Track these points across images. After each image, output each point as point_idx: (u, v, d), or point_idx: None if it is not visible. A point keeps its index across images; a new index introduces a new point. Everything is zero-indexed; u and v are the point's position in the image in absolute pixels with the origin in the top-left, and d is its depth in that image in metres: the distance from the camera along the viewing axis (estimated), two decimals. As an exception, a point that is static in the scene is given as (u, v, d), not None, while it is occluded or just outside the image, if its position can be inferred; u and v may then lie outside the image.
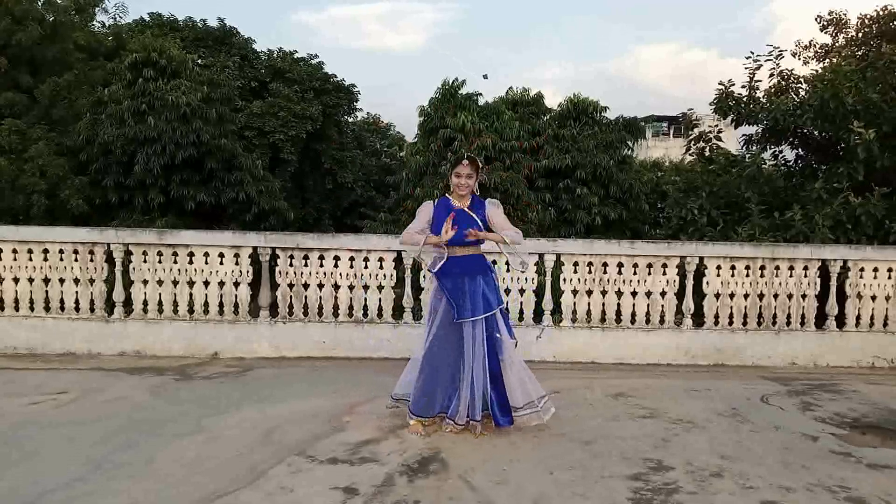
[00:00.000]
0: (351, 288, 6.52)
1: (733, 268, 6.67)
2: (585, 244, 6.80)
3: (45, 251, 6.46)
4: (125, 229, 7.14)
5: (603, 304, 6.63)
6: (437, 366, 4.31)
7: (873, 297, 6.73)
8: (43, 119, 15.79)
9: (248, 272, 6.50)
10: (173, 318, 6.47)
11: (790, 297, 6.70)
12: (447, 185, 4.67)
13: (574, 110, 16.78)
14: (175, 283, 6.47)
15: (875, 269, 6.73)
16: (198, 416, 4.52)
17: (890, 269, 6.74)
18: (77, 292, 6.47)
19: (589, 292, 6.62)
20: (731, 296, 6.67)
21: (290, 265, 6.49)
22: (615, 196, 16.22)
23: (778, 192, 9.83)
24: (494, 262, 6.41)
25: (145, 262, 6.45)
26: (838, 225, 8.45)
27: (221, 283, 6.48)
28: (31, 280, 6.46)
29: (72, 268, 6.46)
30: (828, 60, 12.34)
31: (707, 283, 6.67)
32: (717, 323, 6.68)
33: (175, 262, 6.46)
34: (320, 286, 6.51)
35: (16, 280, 6.48)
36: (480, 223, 4.36)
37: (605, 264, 6.60)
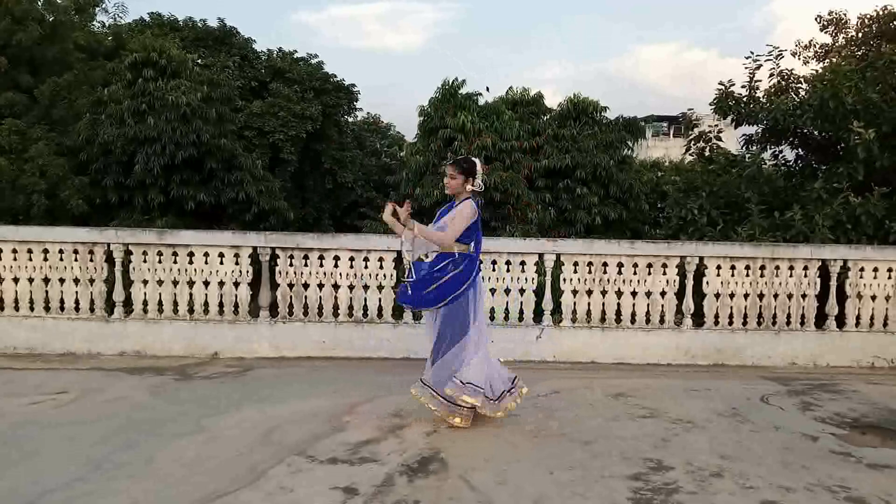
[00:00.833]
0: (351, 288, 6.52)
1: (733, 268, 6.67)
2: (585, 244, 6.79)
3: (45, 251, 6.45)
4: (125, 229, 7.14)
5: (603, 304, 6.63)
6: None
7: (873, 297, 6.73)
8: (43, 119, 15.79)
9: (248, 272, 6.49)
10: (173, 318, 6.47)
11: (790, 296, 6.70)
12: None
13: (574, 110, 16.80)
14: (175, 282, 6.47)
15: (875, 269, 6.73)
16: (198, 416, 4.52)
17: (890, 269, 6.74)
18: (77, 292, 6.47)
19: (589, 292, 6.62)
20: (731, 296, 6.67)
21: (290, 265, 6.49)
22: (615, 196, 16.23)
23: (778, 192, 9.83)
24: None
25: (145, 261, 6.45)
26: (838, 225, 8.44)
27: (221, 283, 6.47)
28: (31, 280, 6.46)
29: (72, 268, 6.45)
30: (828, 60, 12.34)
31: (707, 283, 6.67)
32: (717, 323, 6.68)
33: (175, 262, 6.45)
34: (320, 286, 6.51)
35: (16, 280, 6.48)
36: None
37: (604, 264, 6.60)
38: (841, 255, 6.77)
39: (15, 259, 6.46)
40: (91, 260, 6.46)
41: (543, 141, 16.39)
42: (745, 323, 6.69)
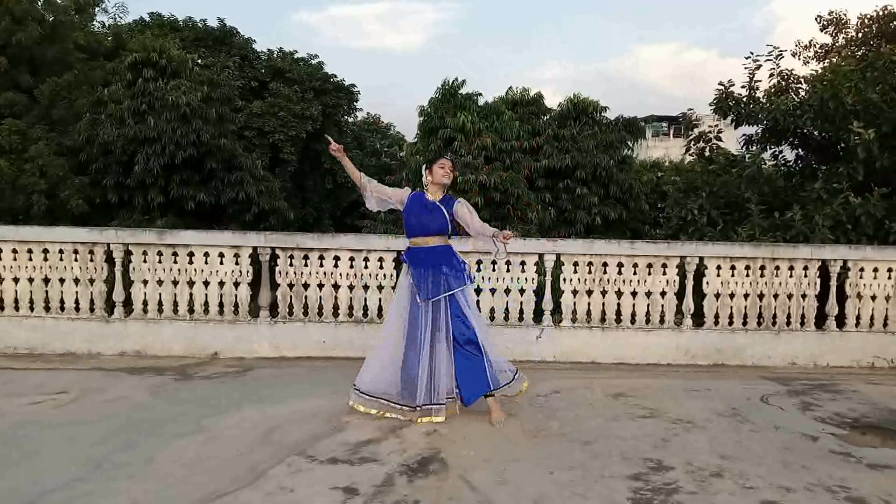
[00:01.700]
0: (351, 288, 6.52)
1: (733, 268, 6.68)
2: (585, 244, 6.79)
3: (45, 251, 6.46)
4: (125, 229, 7.14)
5: (603, 304, 6.63)
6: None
7: (873, 297, 6.73)
8: (43, 119, 15.80)
9: (248, 272, 6.50)
10: (173, 318, 6.47)
11: (790, 297, 6.70)
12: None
13: (574, 110, 16.79)
14: (175, 282, 6.47)
15: (875, 269, 6.73)
16: (198, 416, 4.52)
17: (890, 269, 6.74)
18: (77, 292, 6.47)
19: (589, 292, 6.62)
20: (731, 296, 6.67)
21: (290, 265, 6.49)
22: (615, 196, 16.23)
23: (778, 192, 9.83)
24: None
25: (145, 262, 6.45)
26: (838, 225, 8.44)
27: (221, 283, 6.48)
28: (31, 280, 6.46)
29: (72, 268, 6.46)
30: (828, 60, 12.35)
31: (707, 283, 6.67)
32: (716, 323, 6.68)
33: (175, 262, 6.46)
34: (320, 286, 6.51)
35: (16, 280, 6.48)
36: (447, 215, 4.61)
37: (605, 264, 6.60)
38: (841, 255, 6.77)
39: (15, 259, 6.46)
40: (91, 260, 6.46)
41: (543, 141, 16.39)
42: (745, 323, 6.69)
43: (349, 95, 22.87)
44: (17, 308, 6.48)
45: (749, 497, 3.42)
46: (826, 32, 13.06)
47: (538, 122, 17.20)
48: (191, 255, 6.47)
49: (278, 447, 3.99)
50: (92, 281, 6.47)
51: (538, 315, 6.68)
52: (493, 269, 6.49)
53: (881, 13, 11.75)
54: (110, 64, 16.89)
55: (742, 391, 5.53)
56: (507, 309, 6.53)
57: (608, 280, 6.59)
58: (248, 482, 3.48)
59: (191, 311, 6.50)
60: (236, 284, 6.48)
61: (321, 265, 6.51)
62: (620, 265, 6.60)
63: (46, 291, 6.47)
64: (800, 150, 10.65)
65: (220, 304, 6.49)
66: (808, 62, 13.11)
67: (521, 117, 16.81)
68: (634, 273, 6.60)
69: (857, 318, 6.75)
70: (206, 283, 6.48)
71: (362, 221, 17.34)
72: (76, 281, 6.46)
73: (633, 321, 6.62)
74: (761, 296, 6.69)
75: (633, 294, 6.61)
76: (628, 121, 17.39)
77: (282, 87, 20.11)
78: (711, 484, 3.57)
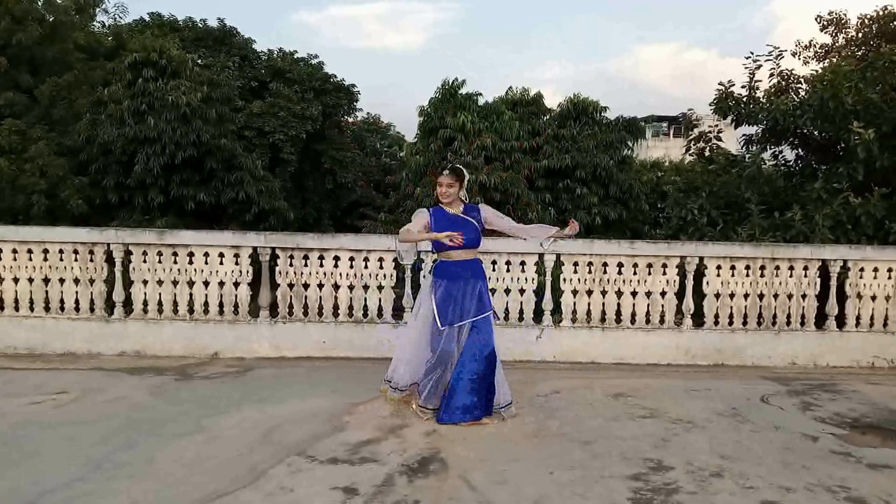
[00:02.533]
0: (351, 288, 6.52)
1: (733, 268, 6.67)
2: (585, 244, 6.79)
3: (45, 251, 6.45)
4: (125, 229, 7.14)
5: (603, 304, 6.63)
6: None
7: (873, 297, 6.73)
8: (43, 119, 15.78)
9: (248, 272, 6.49)
10: (173, 318, 6.47)
11: (790, 297, 6.70)
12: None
13: (574, 110, 16.78)
14: (175, 283, 6.47)
15: (875, 269, 6.73)
16: (198, 416, 4.52)
17: (890, 269, 6.74)
18: (77, 292, 6.47)
19: (589, 292, 6.62)
20: (731, 296, 6.67)
21: (290, 265, 6.49)
22: (615, 196, 16.22)
23: (778, 192, 9.83)
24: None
25: (145, 262, 6.45)
26: (838, 225, 8.44)
27: (221, 283, 6.47)
28: (31, 280, 6.46)
29: (72, 268, 6.45)
30: (828, 60, 12.33)
31: (707, 283, 6.67)
32: (717, 323, 6.68)
33: (175, 262, 6.45)
34: (320, 286, 6.50)
35: (16, 280, 6.48)
36: (478, 225, 4.56)
37: (605, 264, 6.60)
38: (841, 255, 6.77)
39: (15, 259, 6.46)
40: (91, 260, 6.46)
41: (543, 141, 16.37)
42: (745, 323, 6.68)
43: (349, 95, 22.84)
44: (17, 308, 6.48)
45: (749, 497, 3.42)
46: (826, 32, 13.06)
47: (538, 122, 17.19)
48: (191, 255, 6.47)
49: (278, 447, 3.99)
50: (92, 281, 6.47)
51: (538, 315, 6.68)
52: (493, 269, 6.49)
53: (881, 13, 11.74)
54: (110, 64, 16.87)
55: (742, 391, 5.53)
56: (507, 309, 6.53)
57: (608, 280, 6.59)
58: (248, 482, 3.48)
59: (191, 311, 6.50)
60: (236, 284, 6.48)
61: (321, 265, 6.51)
62: (620, 265, 6.60)
63: (46, 291, 6.47)
64: (800, 150, 10.65)
65: (220, 304, 6.49)
66: (808, 62, 13.10)
67: (521, 117, 16.80)
68: (634, 273, 6.60)
69: (857, 318, 6.75)
70: (206, 283, 6.47)
71: (362, 221, 17.34)
72: (76, 281, 6.46)
73: (633, 321, 6.62)
74: (761, 296, 6.68)
75: (633, 294, 6.61)
76: (628, 121, 17.38)
77: (282, 87, 20.09)
78: (711, 484, 3.58)
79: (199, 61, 18.20)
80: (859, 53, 11.82)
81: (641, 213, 16.36)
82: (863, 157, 8.51)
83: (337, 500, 3.32)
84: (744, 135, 10.84)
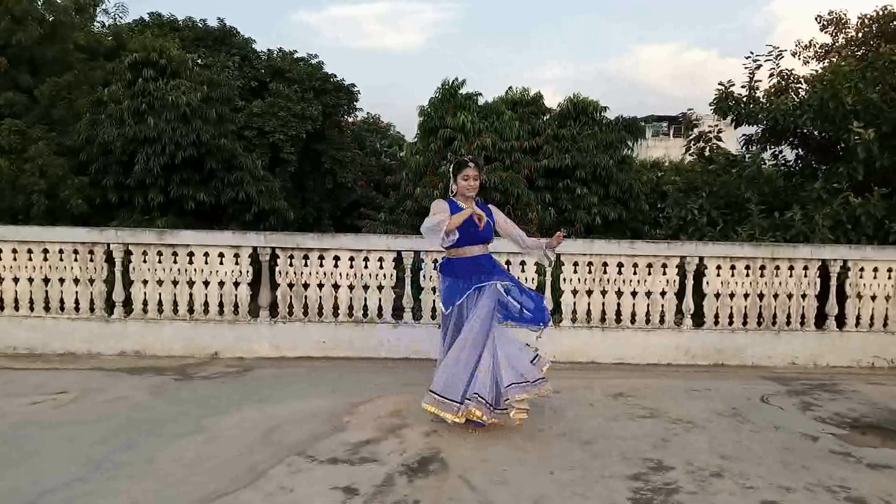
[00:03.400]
0: (351, 288, 6.52)
1: (733, 268, 6.67)
2: (585, 244, 6.79)
3: (45, 251, 6.45)
4: (125, 229, 7.14)
5: (603, 304, 6.63)
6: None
7: (873, 297, 6.73)
8: (43, 119, 15.80)
9: (247, 272, 6.49)
10: (173, 318, 6.47)
11: (790, 296, 6.70)
12: (446, 186, 4.68)
13: (574, 110, 16.79)
14: (175, 282, 6.46)
15: (875, 269, 6.73)
16: (198, 416, 4.52)
17: (890, 269, 6.74)
18: (77, 292, 6.47)
19: (589, 292, 6.62)
20: (731, 296, 6.67)
21: (290, 265, 6.49)
22: (615, 196, 16.23)
23: (778, 192, 9.83)
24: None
25: (145, 261, 6.45)
26: (838, 225, 8.45)
27: (221, 283, 6.47)
28: (30, 280, 6.46)
29: (72, 268, 6.45)
30: (828, 60, 12.35)
31: (707, 283, 6.67)
32: (717, 323, 6.68)
33: (175, 262, 6.45)
34: (320, 286, 6.50)
35: (16, 280, 6.48)
36: (491, 224, 4.52)
37: (605, 264, 6.60)
38: (841, 255, 6.77)
39: (15, 259, 6.46)
40: (91, 260, 6.46)
41: (543, 141, 16.38)
42: (745, 323, 6.68)
43: (349, 95, 22.85)
44: (17, 308, 6.48)
45: (749, 497, 3.42)
46: (826, 32, 13.07)
47: (538, 122, 17.20)
48: (191, 255, 6.47)
49: (278, 447, 3.99)
50: (92, 281, 6.47)
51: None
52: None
53: (881, 13, 11.74)
54: (110, 64, 16.88)
55: (742, 391, 5.53)
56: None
57: (608, 280, 6.59)
58: (248, 482, 3.48)
59: (191, 311, 6.50)
60: (236, 284, 6.48)
61: (321, 265, 6.50)
62: (620, 265, 6.60)
63: (46, 291, 6.47)
64: (800, 150, 10.65)
65: (220, 304, 6.49)
66: (808, 62, 13.12)
67: (521, 117, 16.80)
68: (634, 273, 6.60)
69: (857, 318, 6.75)
70: (206, 283, 6.47)
71: (362, 221, 17.34)
72: (76, 281, 6.46)
73: (633, 321, 6.62)
74: (761, 296, 6.68)
75: (633, 294, 6.61)
76: (628, 121, 17.39)
77: (282, 87, 20.09)
78: (711, 484, 3.58)
79: (199, 61, 18.22)
80: (859, 53, 11.83)
81: (641, 212, 16.37)
82: (863, 157, 8.51)
83: (337, 500, 3.31)
84: (744, 135, 10.85)
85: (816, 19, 13.04)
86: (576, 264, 6.60)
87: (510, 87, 18.28)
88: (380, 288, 6.52)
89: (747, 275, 6.67)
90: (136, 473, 3.58)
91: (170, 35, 18.72)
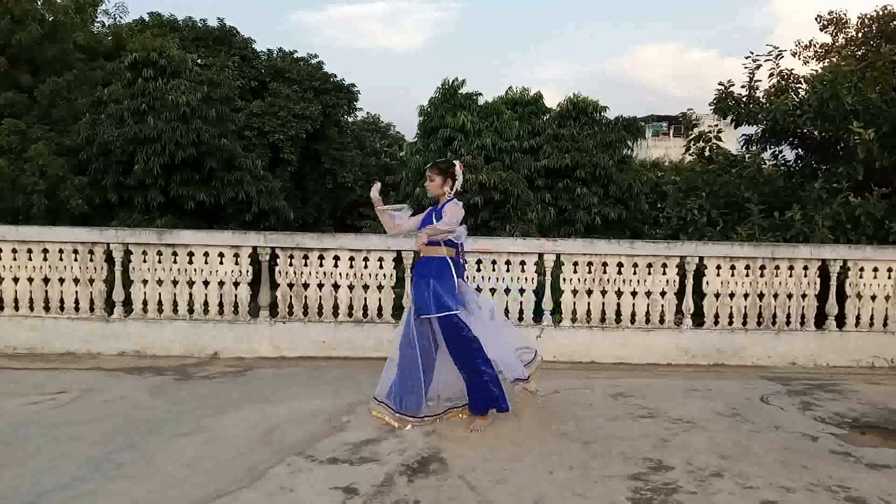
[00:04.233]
0: (351, 288, 6.52)
1: (733, 268, 6.67)
2: (585, 244, 6.79)
3: (45, 251, 6.45)
4: (125, 229, 7.14)
5: (603, 304, 6.63)
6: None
7: (873, 297, 6.73)
8: (43, 119, 15.80)
9: (247, 272, 6.49)
10: (173, 317, 6.47)
11: (790, 296, 6.70)
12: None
13: (574, 110, 16.81)
14: (175, 282, 6.46)
15: (875, 269, 6.73)
16: (198, 416, 4.52)
17: (890, 269, 6.74)
18: (77, 292, 6.47)
19: (589, 292, 6.62)
20: (731, 296, 6.67)
21: (290, 265, 6.49)
22: (615, 196, 16.24)
23: (778, 192, 9.83)
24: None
25: (145, 261, 6.45)
26: (838, 225, 8.44)
27: (221, 283, 6.47)
28: (30, 280, 6.46)
29: (71, 268, 6.45)
30: (828, 60, 12.34)
31: (707, 282, 6.67)
32: (716, 323, 6.68)
33: (175, 261, 6.45)
34: (320, 286, 6.50)
35: (16, 280, 6.48)
36: (435, 220, 4.46)
37: (604, 264, 6.60)
38: (841, 255, 6.77)
39: (15, 259, 6.46)
40: (91, 260, 6.46)
41: (543, 141, 16.40)
42: (744, 323, 6.69)
43: (349, 95, 22.86)
44: (16, 308, 6.48)
45: (749, 497, 3.42)
46: (826, 32, 13.07)
47: (538, 122, 17.21)
48: (190, 254, 6.47)
49: (278, 447, 3.99)
50: (92, 281, 6.47)
51: (538, 315, 6.68)
52: (493, 269, 6.49)
53: (881, 13, 11.73)
54: (110, 64, 16.89)
55: (742, 391, 5.53)
56: (507, 309, 6.52)
57: (608, 280, 6.59)
58: (248, 482, 3.48)
59: (190, 310, 6.50)
60: (236, 284, 6.48)
61: (321, 265, 6.51)
62: (620, 265, 6.60)
63: (46, 291, 6.47)
64: (800, 150, 10.65)
65: (220, 304, 6.49)
66: (808, 62, 13.11)
67: (521, 117, 16.82)
68: (634, 273, 6.60)
69: (857, 317, 6.75)
70: (206, 283, 6.47)
71: (362, 221, 17.36)
72: (76, 281, 6.46)
73: (633, 321, 6.62)
74: (761, 295, 6.69)
75: (633, 294, 6.61)
76: (628, 121, 17.40)
77: (282, 87, 20.11)
78: (711, 484, 3.57)
79: (198, 61, 18.22)
80: (859, 53, 11.82)
81: (641, 212, 16.39)
82: (863, 157, 8.51)
83: (337, 500, 3.31)
84: (744, 135, 10.84)
85: (816, 19, 13.06)
86: (576, 264, 6.60)
87: (510, 87, 18.30)
88: (380, 288, 6.52)
89: (747, 275, 6.67)
90: (136, 473, 3.58)
91: (169, 35, 18.73)
